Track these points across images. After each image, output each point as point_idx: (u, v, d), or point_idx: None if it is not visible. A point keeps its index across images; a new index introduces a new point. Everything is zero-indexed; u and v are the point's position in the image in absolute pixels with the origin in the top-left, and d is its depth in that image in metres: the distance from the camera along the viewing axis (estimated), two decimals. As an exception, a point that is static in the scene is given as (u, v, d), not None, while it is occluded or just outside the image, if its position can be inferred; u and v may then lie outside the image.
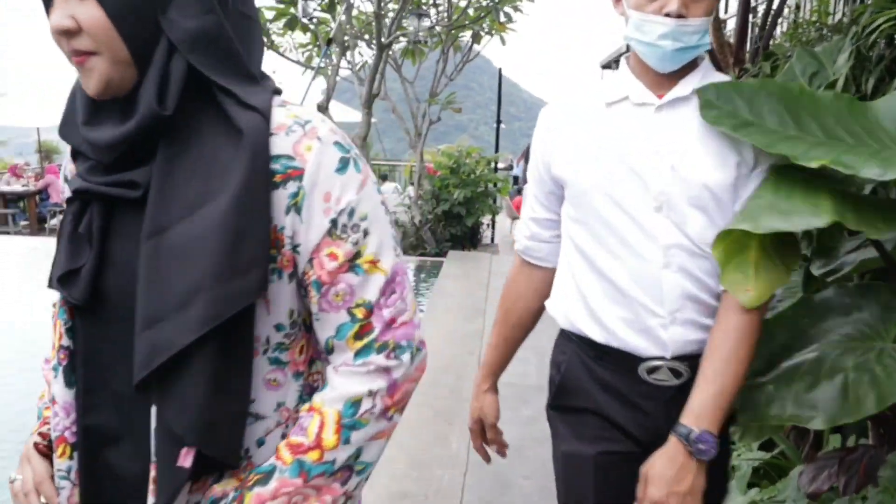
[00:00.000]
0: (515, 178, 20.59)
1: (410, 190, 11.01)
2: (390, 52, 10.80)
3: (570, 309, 1.53)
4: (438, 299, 7.14)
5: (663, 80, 1.42)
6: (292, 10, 9.81)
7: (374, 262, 0.95)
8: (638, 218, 1.39)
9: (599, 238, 1.44)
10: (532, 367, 5.16)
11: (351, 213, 0.93)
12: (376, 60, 8.74)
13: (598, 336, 1.47)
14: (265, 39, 9.13)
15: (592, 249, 1.46)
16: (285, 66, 14.21)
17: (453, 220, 10.17)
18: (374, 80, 8.91)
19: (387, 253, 0.97)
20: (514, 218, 17.25)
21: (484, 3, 9.45)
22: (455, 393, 4.45)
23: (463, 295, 7.25)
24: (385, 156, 23.89)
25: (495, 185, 10.68)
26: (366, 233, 0.94)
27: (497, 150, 12.52)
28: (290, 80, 14.11)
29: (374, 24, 8.54)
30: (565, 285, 1.56)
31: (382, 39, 8.67)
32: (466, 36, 11.31)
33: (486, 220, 11.55)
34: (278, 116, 0.93)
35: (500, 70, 12.39)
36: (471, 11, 10.33)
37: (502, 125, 13.05)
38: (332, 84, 9.80)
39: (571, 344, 1.56)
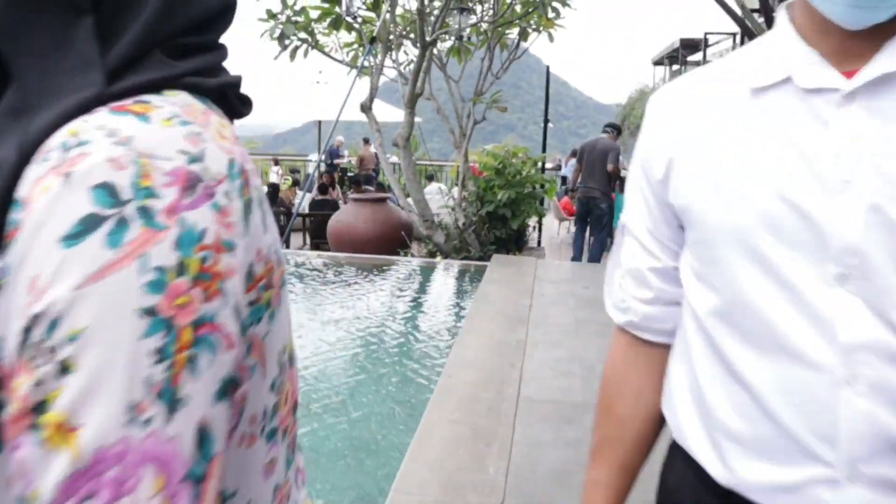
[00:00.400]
0: (563, 179, 20.22)
1: (455, 191, 10.76)
2: (435, 51, 10.58)
3: (683, 419, 1.03)
4: (481, 306, 6.87)
5: (853, 48, 0.84)
6: (337, 9, 9.66)
7: (62, 429, 0.47)
8: (804, 293, 0.85)
9: (735, 318, 0.92)
10: (577, 382, 4.85)
11: (53, 325, 0.47)
12: (420, 59, 8.50)
13: (720, 475, 0.96)
14: (310, 39, 8.88)
15: (723, 335, 0.94)
16: (332, 67, 14.11)
17: (498, 222, 9.88)
18: (418, 80, 8.67)
19: (99, 414, 0.47)
20: (562, 219, 16.90)
21: (530, -1, 9.15)
22: (494, 411, 4.17)
23: (506, 302, 6.97)
24: (430, 156, 23.71)
25: (542, 186, 10.35)
26: (66, 368, 0.47)
27: (545, 149, 12.18)
28: (338, 81, 13.99)
29: (417, 21, 8.30)
30: (679, 379, 1.05)
31: (426, 37, 8.42)
32: (513, 33, 11.01)
33: (532, 222, 11.22)
34: (58, 134, 0.52)
35: (547, 67, 12.07)
36: (518, 7, 10.03)
37: (550, 124, 12.69)
38: (376, 84, 9.60)
39: (686, 468, 1.04)
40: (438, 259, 9.24)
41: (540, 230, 12.07)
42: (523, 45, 11.15)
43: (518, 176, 9.95)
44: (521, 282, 7.82)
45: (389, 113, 17.25)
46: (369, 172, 19.32)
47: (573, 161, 20.42)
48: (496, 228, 9.88)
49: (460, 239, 9.63)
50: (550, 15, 9.84)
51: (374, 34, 8.83)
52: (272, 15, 9.38)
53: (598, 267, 9.14)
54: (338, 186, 15.66)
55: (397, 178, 10.19)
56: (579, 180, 10.56)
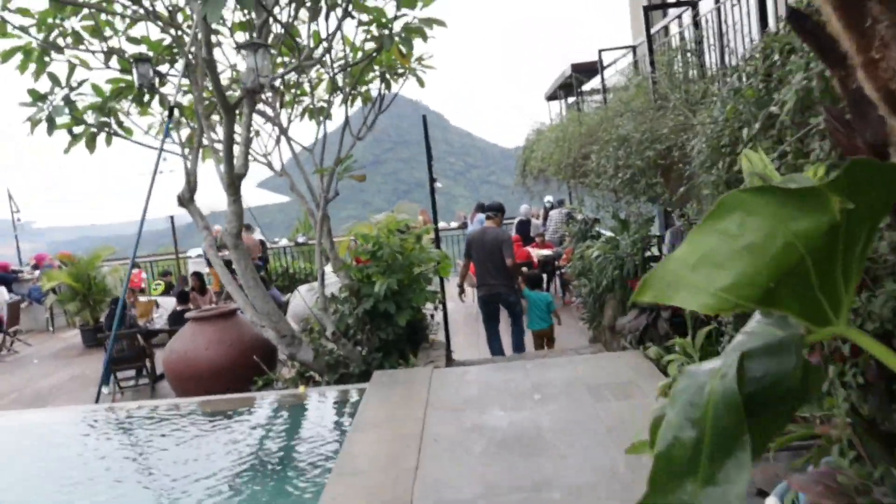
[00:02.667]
0: (470, 237, 18.05)
1: (331, 285, 8.33)
2: (282, 113, 8.23)
3: None
4: (342, 481, 4.36)
5: None
6: (129, 77, 7.21)
7: None
8: None
9: None
10: None
11: None
12: (227, 127, 6.08)
13: None
14: (112, 121, 6.33)
15: None
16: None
17: (381, 320, 7.45)
18: (233, 155, 6.26)
19: None
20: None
21: (376, 34, 6.90)
22: None
23: (379, 463, 4.48)
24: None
25: (437, 263, 8.00)
26: None
27: (434, 213, 9.87)
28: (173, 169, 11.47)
29: (208, 75, 5.81)
30: None
31: (224, 96, 6.03)
32: (374, 83, 8.76)
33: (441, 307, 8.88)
34: None
35: (424, 118, 9.82)
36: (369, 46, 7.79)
37: (438, 184, 10.43)
38: (193, 168, 7.12)
39: None
40: (301, 390, 6.68)
41: (445, 312, 9.67)
42: (391, 92, 8.90)
43: (400, 257, 7.59)
44: (406, 416, 5.35)
45: (257, 197, 14.85)
46: (255, 262, 16.70)
47: (480, 217, 18.39)
48: (380, 329, 7.44)
49: (332, 355, 7.15)
50: (408, 53, 7.64)
51: (172, 103, 6.40)
52: (38, 96, 6.83)
53: (515, 366, 6.77)
54: (210, 290, 12.94)
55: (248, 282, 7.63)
56: (476, 279, 8.88)
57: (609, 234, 9.72)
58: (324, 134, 8.12)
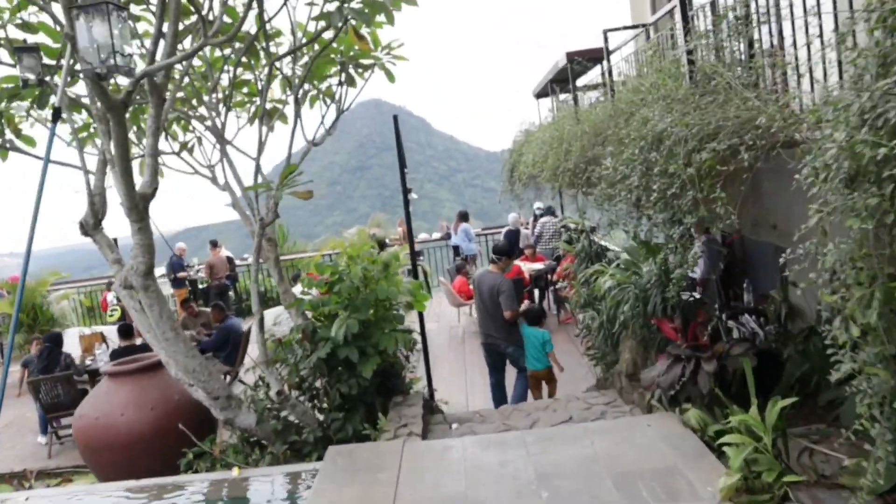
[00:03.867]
0: (455, 249, 16.42)
1: (278, 325, 6.75)
2: (217, 118, 6.63)
3: None
4: None
5: None
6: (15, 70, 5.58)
7: None
8: None
9: None
10: None
11: None
12: (115, 131, 4.42)
13: None
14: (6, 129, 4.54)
15: None
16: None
17: (342, 370, 5.86)
18: (110, 165, 4.60)
19: None
20: (459, 304, 13.01)
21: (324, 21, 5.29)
22: None
23: None
24: (305, 247, 19.52)
25: (412, 295, 6.39)
26: None
27: (409, 225, 8.29)
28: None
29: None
30: None
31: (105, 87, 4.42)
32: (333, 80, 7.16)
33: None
34: None
35: (395, 118, 8.24)
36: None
37: (413, 195, 8.84)
38: (100, 186, 5.50)
39: None
40: (235, 473, 5.05)
41: (426, 351, 8.08)
42: (354, 89, 7.31)
43: (363, 290, 5.99)
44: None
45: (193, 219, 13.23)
46: (222, 282, 15.03)
47: (464, 227, 16.77)
48: (341, 381, 5.83)
49: (282, 419, 5.54)
50: (373, 37, 6.06)
51: (56, 103, 4.80)
52: None
53: (512, 440, 5.15)
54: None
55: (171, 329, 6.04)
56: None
57: (616, 249, 8.16)
58: (263, 140, 6.51)
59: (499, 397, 7.72)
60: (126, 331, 9.25)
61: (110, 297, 15.14)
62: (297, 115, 6.43)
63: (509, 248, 7.58)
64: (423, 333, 8.29)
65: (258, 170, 6.23)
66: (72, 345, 11.70)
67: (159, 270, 15.77)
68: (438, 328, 13.32)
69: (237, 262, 16.76)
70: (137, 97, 5.10)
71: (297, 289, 8.80)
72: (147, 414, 5.62)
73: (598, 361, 6.77)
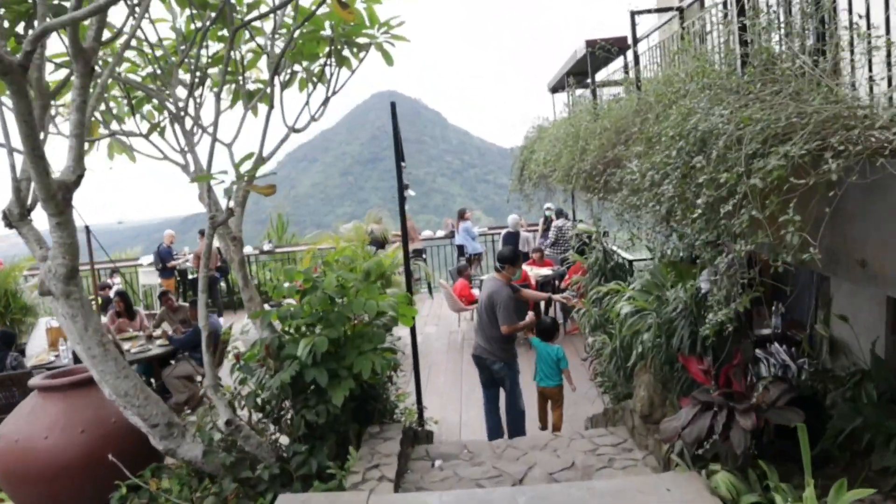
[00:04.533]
0: (460, 249, 15.51)
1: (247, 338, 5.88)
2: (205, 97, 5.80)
3: None
4: None
5: None
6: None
7: None
8: None
9: None
10: None
11: None
12: (16, 103, 3.52)
13: None
14: None
15: None
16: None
17: (309, 395, 4.99)
18: (41, 157, 3.73)
19: None
20: (460, 310, 12.11)
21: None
22: None
23: None
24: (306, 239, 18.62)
25: (395, 310, 5.50)
26: None
27: (403, 223, 7.41)
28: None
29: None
30: None
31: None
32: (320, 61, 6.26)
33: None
34: None
35: (392, 105, 7.35)
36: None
37: (410, 192, 7.95)
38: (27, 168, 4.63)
39: None
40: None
41: (416, 366, 7.20)
42: (349, 71, 6.41)
43: (339, 304, 5.11)
44: None
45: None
46: (212, 273, 14.20)
47: (465, 225, 15.84)
48: (308, 407, 4.97)
49: (236, 450, 4.67)
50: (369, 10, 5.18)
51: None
52: None
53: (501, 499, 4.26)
54: (140, 315, 10.44)
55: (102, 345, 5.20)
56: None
57: (630, 258, 7.21)
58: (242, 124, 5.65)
59: (493, 424, 6.89)
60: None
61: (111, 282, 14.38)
62: (271, 90, 5.53)
63: (512, 256, 6.73)
64: (413, 344, 7.43)
65: (231, 157, 5.36)
66: (40, 336, 10.91)
67: (147, 258, 14.98)
68: (437, 332, 12.45)
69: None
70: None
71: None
72: (76, 437, 4.77)
73: (606, 390, 5.88)
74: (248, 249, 16.01)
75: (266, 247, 15.65)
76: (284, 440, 5.12)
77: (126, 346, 9.18)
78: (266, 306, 8.04)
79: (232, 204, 4.75)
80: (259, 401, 5.07)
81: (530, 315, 6.88)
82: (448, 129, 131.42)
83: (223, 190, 4.13)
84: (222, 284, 14.82)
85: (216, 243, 14.94)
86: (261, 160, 5.16)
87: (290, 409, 5.03)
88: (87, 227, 9.57)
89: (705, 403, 3.97)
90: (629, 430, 5.20)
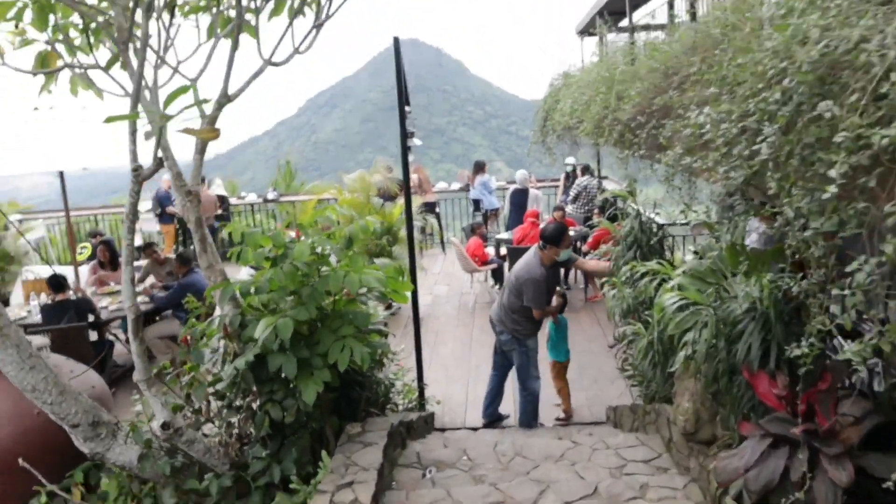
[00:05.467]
0: (476, 203, 14.39)
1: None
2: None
3: None
4: None
5: None
6: None
7: None
8: None
9: None
10: None
11: None
12: None
13: None
14: None
15: None
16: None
17: (275, 386, 4.04)
18: None
19: None
20: (473, 270, 11.09)
21: None
22: None
23: None
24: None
25: (384, 285, 4.45)
26: None
27: (406, 179, 6.36)
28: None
29: None
30: None
31: None
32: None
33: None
34: None
35: (395, 40, 6.23)
36: None
37: (414, 142, 6.86)
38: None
39: None
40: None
41: (418, 339, 6.23)
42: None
43: (315, 276, 4.11)
44: None
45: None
46: (209, 223, 13.22)
47: (482, 179, 14.66)
48: (273, 401, 4.01)
49: (180, 455, 3.74)
50: None
51: None
52: None
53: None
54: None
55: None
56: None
57: (662, 221, 6.06)
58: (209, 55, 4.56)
59: (490, 394, 6.48)
60: (57, 283, 7.52)
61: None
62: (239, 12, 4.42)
63: (558, 235, 5.67)
64: (415, 316, 6.48)
65: (196, 95, 4.28)
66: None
67: (145, 205, 14.06)
68: (448, 293, 11.47)
69: (235, 200, 14.96)
70: None
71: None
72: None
73: (637, 384, 4.87)
74: (251, 197, 15.01)
75: (270, 195, 14.63)
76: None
77: (104, 301, 8.30)
78: (245, 271, 7.07)
79: (161, 153, 3.71)
80: (217, 392, 4.13)
81: (556, 299, 5.93)
82: (470, 78, 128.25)
83: (143, 134, 3.08)
84: (224, 234, 13.87)
85: (216, 191, 13.91)
86: (225, 98, 4.11)
87: (247, 404, 4.09)
88: (60, 173, 8.63)
89: (778, 438, 2.95)
90: (665, 442, 4.21)
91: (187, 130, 3.16)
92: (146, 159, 3.55)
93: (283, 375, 4.00)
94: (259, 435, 4.00)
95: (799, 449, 2.86)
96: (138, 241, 12.99)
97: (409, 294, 4.52)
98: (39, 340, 4.46)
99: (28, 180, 8.59)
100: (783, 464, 2.86)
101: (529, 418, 6.01)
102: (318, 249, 4.17)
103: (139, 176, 3.32)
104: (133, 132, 3.35)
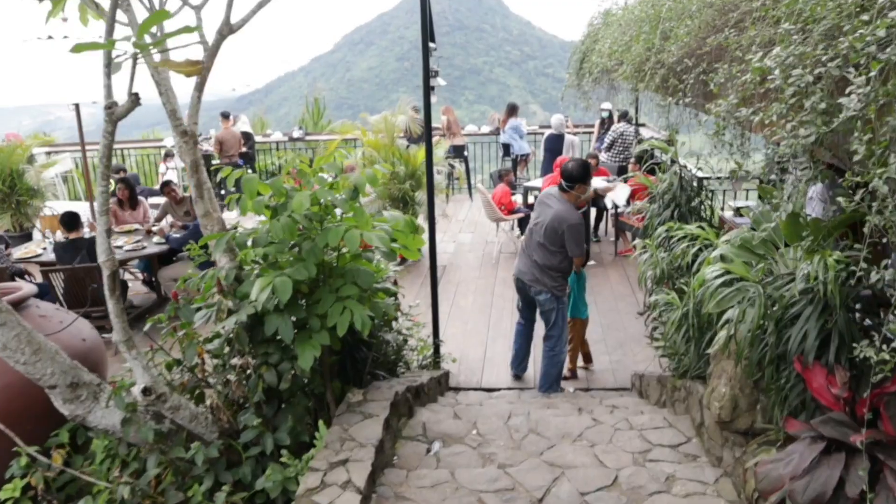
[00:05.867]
0: (506, 148, 13.78)
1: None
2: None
3: None
4: None
5: None
6: None
7: None
8: None
9: None
10: None
11: None
12: None
13: None
14: None
15: None
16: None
17: (271, 349, 3.70)
18: None
19: None
20: (499, 219, 10.61)
21: None
22: None
23: None
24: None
25: (393, 241, 4.03)
26: None
27: (428, 118, 5.88)
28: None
29: None
30: None
31: None
32: None
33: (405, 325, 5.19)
34: None
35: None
36: None
37: (439, 79, 6.34)
38: None
39: None
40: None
41: (435, 293, 5.86)
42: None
43: (315, 230, 3.71)
44: None
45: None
46: (233, 160, 12.87)
47: (513, 122, 14.00)
48: (267, 365, 3.68)
49: (167, 423, 3.44)
50: None
51: None
52: None
53: None
54: (143, 205, 9.23)
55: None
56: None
57: (702, 175, 5.49)
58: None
59: (521, 350, 6.21)
60: (69, 220, 7.25)
61: (162, 167, 13.24)
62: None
63: (584, 172, 5.31)
64: (432, 269, 6.09)
65: (199, 24, 3.82)
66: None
67: (170, 140, 13.74)
68: (472, 242, 11.05)
69: (260, 138, 14.56)
70: None
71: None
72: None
73: (667, 356, 4.45)
74: (277, 136, 14.59)
75: (296, 133, 14.19)
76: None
77: (120, 241, 8.05)
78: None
79: (157, 88, 3.29)
80: (210, 352, 3.80)
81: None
82: (509, 17, 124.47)
83: (104, 67, 2.65)
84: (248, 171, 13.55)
85: (241, 128, 13.48)
86: (226, 28, 3.65)
87: (241, 366, 3.76)
88: (76, 105, 8.28)
89: (833, 443, 2.51)
90: (695, 426, 3.80)
91: (164, 63, 2.72)
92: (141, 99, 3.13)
93: (277, 337, 3.66)
94: (253, 400, 3.67)
95: (859, 459, 2.42)
96: (173, 177, 12.73)
97: (418, 253, 4.10)
98: (27, 288, 4.15)
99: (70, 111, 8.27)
100: (838, 475, 2.43)
101: (552, 382, 5.67)
102: (323, 200, 3.76)
103: (112, 115, 2.91)
104: (108, 64, 2.92)
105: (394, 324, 5.10)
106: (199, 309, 3.88)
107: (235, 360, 3.80)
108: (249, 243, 3.77)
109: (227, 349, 3.76)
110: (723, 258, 3.10)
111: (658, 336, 4.53)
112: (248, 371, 3.80)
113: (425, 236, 5.25)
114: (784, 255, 2.88)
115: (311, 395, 3.98)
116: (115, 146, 14.89)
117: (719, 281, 2.91)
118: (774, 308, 2.75)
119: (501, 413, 4.28)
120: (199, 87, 3.99)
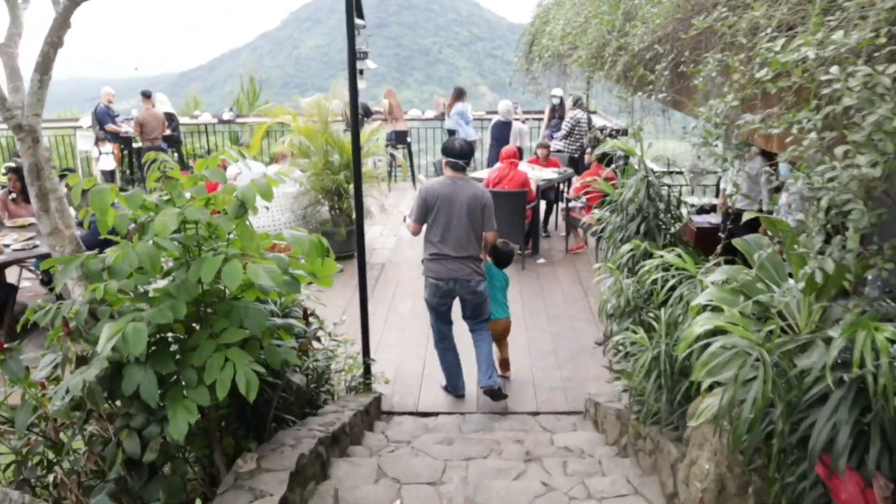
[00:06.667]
0: (452, 134, 12.91)
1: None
2: None
3: None
4: None
5: None
6: None
7: None
8: None
9: None
10: None
11: None
12: None
13: None
14: None
15: None
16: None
17: (131, 408, 2.83)
18: None
19: None
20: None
21: None
22: None
23: None
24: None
25: (279, 283, 3.17)
26: None
27: (354, 104, 5.03)
28: None
29: None
30: None
31: None
32: None
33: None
34: None
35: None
36: None
37: (368, 62, 5.46)
38: None
39: None
40: None
41: (364, 307, 5.02)
42: None
43: (189, 257, 2.84)
44: None
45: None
46: (155, 143, 11.66)
47: (459, 107, 13.14)
48: (128, 428, 2.81)
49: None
50: None
51: None
52: None
53: None
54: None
55: None
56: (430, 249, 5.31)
57: (659, 168, 4.73)
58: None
59: (454, 376, 5.71)
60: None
61: (95, 152, 11.83)
62: None
63: (469, 148, 5.38)
64: (362, 277, 5.28)
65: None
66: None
67: (86, 120, 12.46)
68: (412, 238, 10.22)
69: (187, 119, 13.35)
70: None
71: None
72: None
73: (631, 396, 3.73)
74: (206, 117, 13.40)
75: (226, 115, 13.03)
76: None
77: (7, 239, 6.95)
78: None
79: None
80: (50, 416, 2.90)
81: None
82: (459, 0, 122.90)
83: None
84: (174, 155, 12.33)
85: (163, 108, 12.27)
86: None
87: (96, 433, 2.87)
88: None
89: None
90: (665, 495, 3.08)
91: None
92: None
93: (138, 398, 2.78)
94: (111, 477, 2.80)
95: None
96: (108, 165, 11.44)
97: (330, 280, 3.26)
98: None
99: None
100: None
101: (495, 381, 5.38)
102: (202, 217, 2.86)
103: None
104: None
105: (310, 353, 4.25)
106: (46, 354, 2.97)
107: (90, 427, 2.91)
108: (105, 273, 2.86)
109: (77, 413, 2.87)
110: (712, 309, 2.36)
111: (619, 370, 3.80)
112: (108, 436, 2.92)
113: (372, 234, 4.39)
114: (788, 292, 2.14)
115: (197, 458, 3.13)
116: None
117: (712, 347, 2.17)
118: (787, 390, 2.02)
119: (434, 469, 3.50)
120: (42, 69, 3.06)
